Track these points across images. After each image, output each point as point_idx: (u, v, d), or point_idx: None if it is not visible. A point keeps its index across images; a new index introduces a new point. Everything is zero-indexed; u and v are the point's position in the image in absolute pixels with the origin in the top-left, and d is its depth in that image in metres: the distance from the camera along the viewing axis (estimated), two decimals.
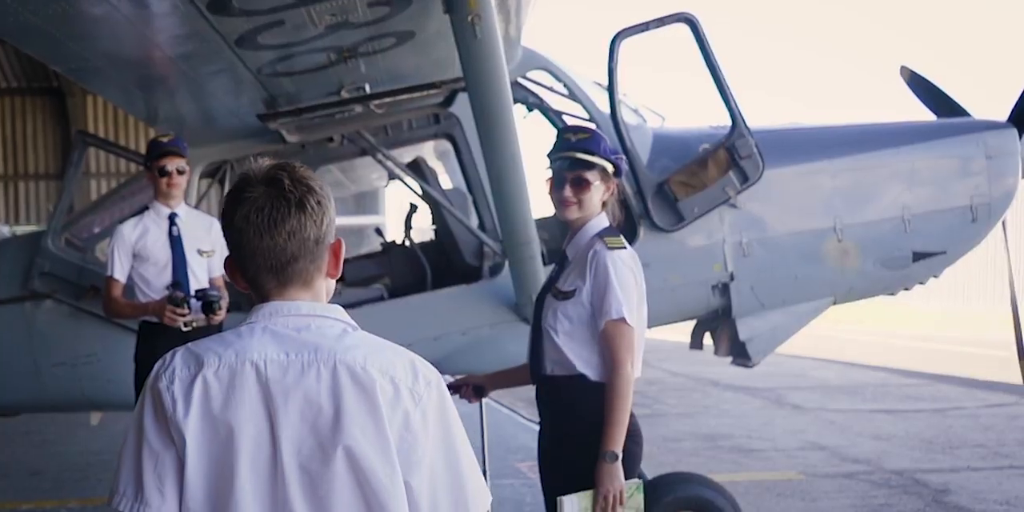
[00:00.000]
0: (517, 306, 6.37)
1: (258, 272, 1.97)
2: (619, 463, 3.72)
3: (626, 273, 3.78)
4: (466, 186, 7.24)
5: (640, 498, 3.79)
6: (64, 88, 18.73)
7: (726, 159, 6.18)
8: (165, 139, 5.86)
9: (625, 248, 3.85)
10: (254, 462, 1.87)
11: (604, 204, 3.91)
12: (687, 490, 5.64)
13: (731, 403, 12.57)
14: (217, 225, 6.12)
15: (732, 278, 6.43)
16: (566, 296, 3.84)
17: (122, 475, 1.92)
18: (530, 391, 4.12)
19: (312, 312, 1.97)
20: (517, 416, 11.25)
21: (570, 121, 6.49)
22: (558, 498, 3.68)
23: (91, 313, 6.44)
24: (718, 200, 6.22)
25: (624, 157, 3.92)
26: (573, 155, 3.86)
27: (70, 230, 7.03)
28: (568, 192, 3.86)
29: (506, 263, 6.38)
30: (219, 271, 6.10)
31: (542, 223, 6.77)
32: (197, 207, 6.69)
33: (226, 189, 7.92)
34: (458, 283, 6.58)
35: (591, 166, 3.84)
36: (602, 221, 3.90)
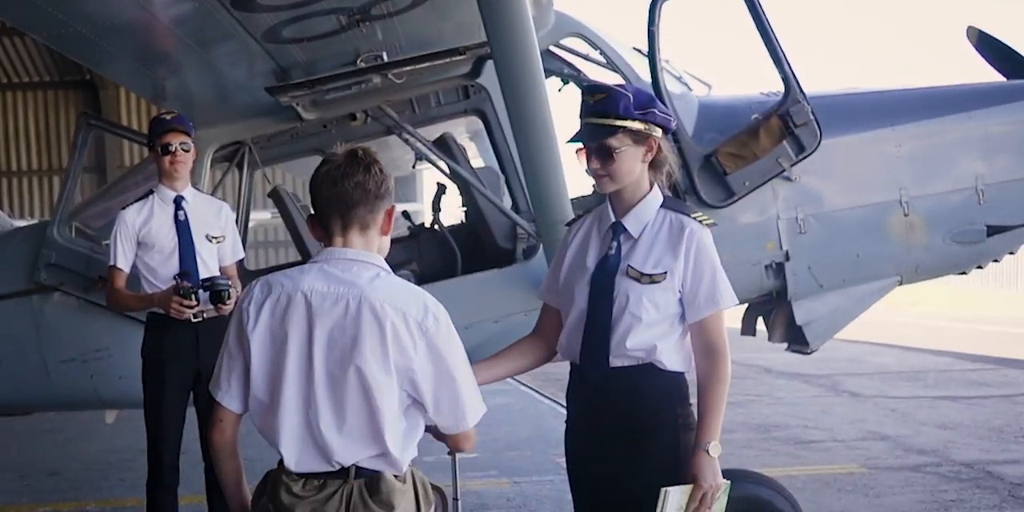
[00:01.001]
0: None
1: (329, 215, 2.60)
2: (718, 458, 3.29)
3: (717, 255, 3.36)
4: (498, 165, 6.77)
5: (725, 501, 3.35)
6: (97, 81, 18.49)
7: (780, 127, 5.65)
8: (168, 116, 5.45)
9: (713, 224, 3.39)
10: (297, 364, 2.55)
11: (657, 166, 3.38)
12: (742, 490, 5.10)
13: (784, 391, 12.01)
14: (227, 209, 5.68)
15: (787, 257, 5.90)
16: (653, 279, 3.32)
17: (217, 372, 2.69)
18: None
19: (356, 257, 2.61)
20: (560, 408, 10.72)
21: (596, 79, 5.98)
22: (663, 490, 3.19)
23: (101, 306, 6.02)
24: (771, 172, 5.69)
25: (662, 111, 3.37)
26: (590, 121, 3.34)
27: (79, 218, 6.64)
28: (594, 164, 3.35)
29: (541, 245, 5.90)
30: (231, 259, 5.67)
31: (579, 202, 6.30)
32: (213, 194, 6.27)
33: (244, 174, 7.55)
34: (490, 268, 6.11)
35: (613, 130, 3.28)
36: (658, 192, 3.39)
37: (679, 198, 5.57)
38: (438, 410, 2.63)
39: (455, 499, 4.17)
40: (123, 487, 7.47)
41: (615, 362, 3.33)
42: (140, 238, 5.46)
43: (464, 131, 8.85)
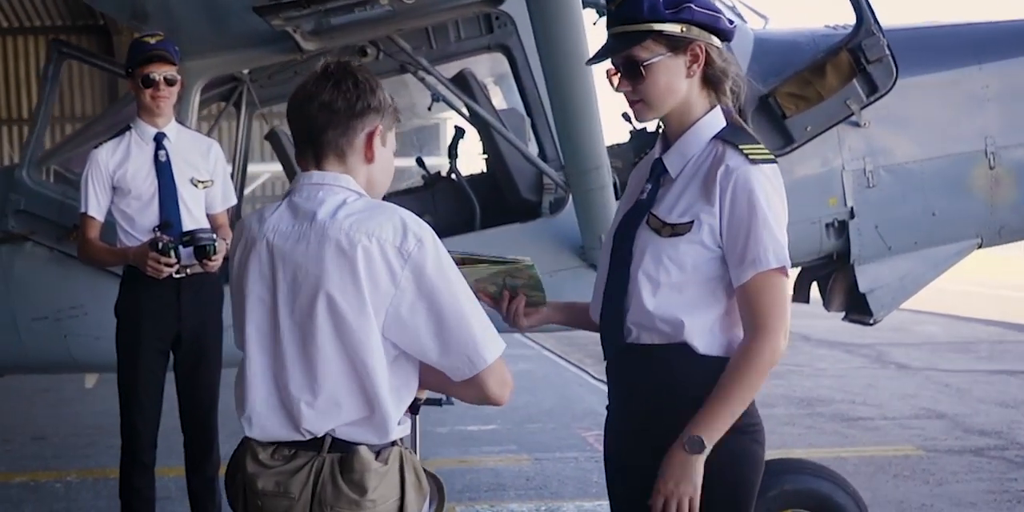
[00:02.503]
0: (583, 249, 5.22)
1: (301, 146, 2.25)
2: (701, 458, 2.49)
3: (777, 199, 2.52)
4: (524, 107, 6.05)
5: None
6: (110, 26, 17.73)
7: (849, 64, 4.89)
8: (152, 40, 4.72)
9: (773, 160, 2.55)
10: (260, 317, 2.22)
11: (713, 82, 2.60)
12: (798, 482, 4.41)
13: (826, 361, 11.27)
14: (217, 148, 4.95)
15: (852, 215, 5.17)
16: (675, 231, 2.54)
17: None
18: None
19: (323, 181, 2.22)
20: (585, 376, 10.07)
21: None
22: None
23: (76, 258, 5.35)
24: (838, 116, 4.96)
25: (703, 6, 2.57)
26: (615, 31, 2.59)
27: (55, 160, 5.99)
28: (623, 85, 2.59)
29: (570, 197, 5.19)
30: (221, 206, 4.97)
31: (614, 151, 5.59)
32: (209, 134, 5.58)
33: (242, 113, 6.86)
34: (512, 221, 5.44)
35: (639, 37, 2.53)
36: (716, 117, 2.60)
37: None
38: (445, 351, 2.15)
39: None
40: (109, 455, 6.81)
41: (630, 337, 2.60)
42: (115, 182, 4.77)
43: (488, 74, 8.05)
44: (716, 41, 2.58)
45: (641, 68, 2.53)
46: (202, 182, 4.85)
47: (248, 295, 2.23)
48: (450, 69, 6.04)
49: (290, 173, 5.71)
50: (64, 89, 18.25)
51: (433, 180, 6.31)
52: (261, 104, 6.50)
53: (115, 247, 4.77)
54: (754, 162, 2.50)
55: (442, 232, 5.65)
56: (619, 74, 2.59)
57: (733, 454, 2.55)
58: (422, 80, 5.97)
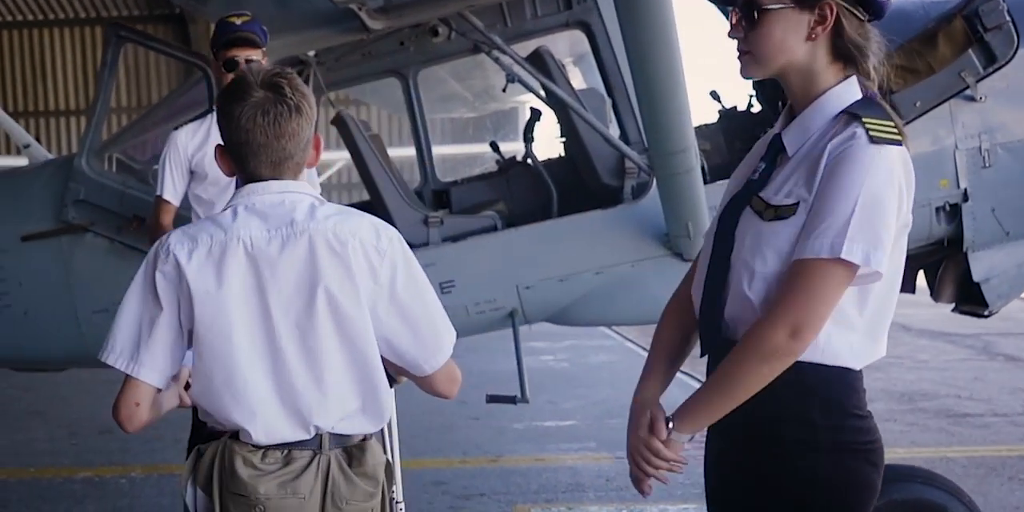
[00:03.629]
0: (668, 237, 4.88)
1: (258, 166, 2.27)
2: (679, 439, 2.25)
3: (886, 187, 2.10)
4: (604, 87, 5.70)
5: None
6: (187, 15, 17.71)
7: (964, 32, 4.46)
8: (238, 21, 4.45)
9: (898, 141, 2.15)
10: (252, 321, 2.20)
11: (845, 56, 2.22)
12: (908, 492, 4.02)
13: (928, 352, 10.71)
14: None
15: (965, 197, 4.74)
16: (778, 213, 2.19)
17: (118, 340, 2.23)
18: None
19: (283, 189, 2.28)
20: None
21: None
22: None
23: (137, 249, 5.14)
24: (951, 90, 4.53)
25: None
26: None
27: (117, 147, 5.76)
28: (736, 31, 2.26)
29: (654, 182, 4.83)
30: None
31: (701, 132, 5.21)
32: None
33: (310, 96, 6.59)
34: (592, 208, 5.10)
35: None
36: (848, 89, 2.22)
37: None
38: (415, 344, 2.27)
39: (396, 501, 3.23)
40: (176, 450, 6.64)
41: (727, 331, 2.26)
42: (193, 166, 4.58)
43: (566, 54, 7.67)
44: (859, 12, 2.20)
45: (756, 13, 2.19)
46: None
47: (229, 299, 2.19)
48: (526, 48, 5.70)
49: (357, 159, 5.41)
50: (131, 79, 18.25)
51: (508, 165, 5.98)
52: (328, 88, 6.23)
53: None
54: (874, 140, 2.12)
55: (518, 219, 5.41)
56: (738, 17, 2.25)
57: (844, 477, 2.21)
58: (496, 60, 5.66)
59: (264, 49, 4.43)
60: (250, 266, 2.20)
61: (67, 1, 18.32)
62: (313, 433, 2.21)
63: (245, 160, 2.26)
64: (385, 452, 2.41)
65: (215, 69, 4.53)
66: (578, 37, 6.42)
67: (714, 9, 5.20)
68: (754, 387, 2.14)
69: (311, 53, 6.12)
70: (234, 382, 2.20)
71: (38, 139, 14.85)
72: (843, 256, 2.07)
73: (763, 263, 2.19)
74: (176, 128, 4.63)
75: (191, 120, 4.66)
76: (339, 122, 5.51)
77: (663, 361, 2.50)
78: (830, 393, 2.19)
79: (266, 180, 2.27)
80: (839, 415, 2.19)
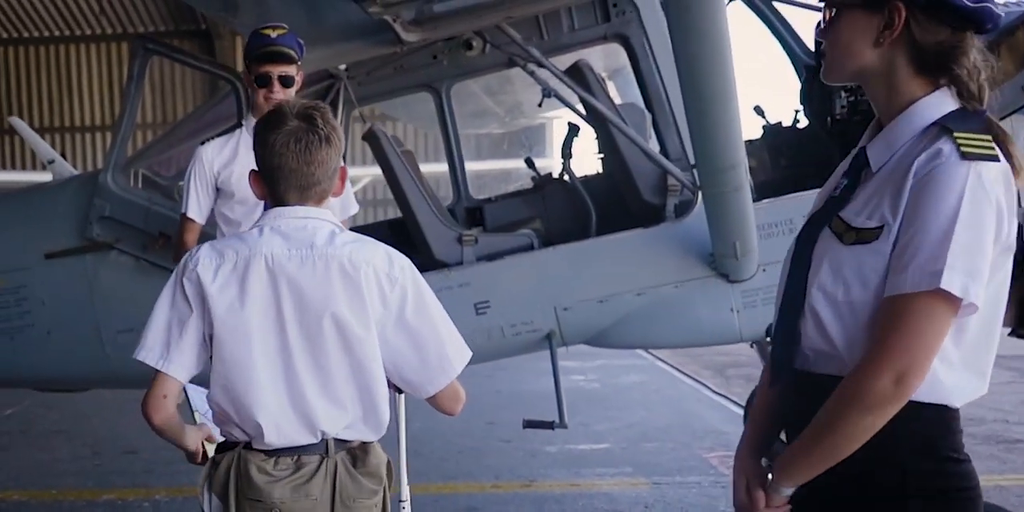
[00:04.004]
0: (713, 257, 4.70)
1: (288, 190, 2.45)
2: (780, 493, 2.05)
3: (981, 209, 1.89)
4: (643, 102, 5.53)
5: None
6: (212, 30, 17.68)
7: None
8: (273, 33, 4.21)
9: (995, 157, 1.93)
10: (267, 329, 2.38)
11: (928, 67, 2.00)
12: None
13: None
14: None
15: None
16: (860, 237, 1.99)
17: (151, 340, 2.41)
18: (719, 356, 2.31)
19: (307, 215, 2.45)
20: (704, 390, 9.43)
21: None
22: None
23: (163, 267, 4.99)
24: (1014, 105, 4.33)
25: None
26: None
27: (143, 163, 5.62)
28: (821, 34, 2.09)
29: (698, 199, 4.66)
30: (341, 214, 4.46)
31: (750, 147, 5.05)
32: None
33: (339, 113, 6.44)
34: (632, 226, 4.94)
35: None
36: (940, 100, 2.00)
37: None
38: (423, 366, 2.43)
39: (400, 500, 3.60)
40: (200, 473, 6.48)
41: (803, 363, 2.06)
42: (219, 182, 4.35)
43: (602, 70, 7.51)
44: (939, 19, 1.98)
45: (829, 14, 2.04)
46: None
47: (250, 310, 2.36)
48: (561, 63, 5.55)
49: (390, 176, 5.25)
50: (157, 94, 18.20)
51: (543, 182, 5.82)
52: (359, 103, 6.09)
53: None
54: (966, 156, 1.90)
55: (555, 237, 5.24)
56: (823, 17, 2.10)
57: None
58: (532, 74, 5.48)
59: (299, 64, 4.22)
60: (270, 280, 2.38)
61: (93, 17, 18.29)
62: (320, 437, 2.40)
63: (276, 183, 2.44)
64: (386, 452, 2.56)
65: (247, 82, 4.32)
66: (613, 51, 6.29)
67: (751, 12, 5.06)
68: (859, 440, 1.93)
69: (342, 67, 5.99)
70: (252, 386, 2.37)
71: (63, 155, 14.80)
72: (943, 287, 1.87)
73: (845, 291, 1.99)
74: (202, 143, 4.43)
75: (218, 135, 4.45)
76: (371, 137, 5.35)
77: (765, 421, 2.26)
78: (924, 434, 1.98)
79: (293, 204, 2.44)
80: (934, 458, 1.99)
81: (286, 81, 4.19)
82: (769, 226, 4.69)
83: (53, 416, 8.79)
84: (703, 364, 10.31)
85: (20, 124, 13.59)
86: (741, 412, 7.80)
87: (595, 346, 5.05)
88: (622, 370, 10.32)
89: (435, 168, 9.06)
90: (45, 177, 10.80)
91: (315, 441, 2.39)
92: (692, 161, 4.62)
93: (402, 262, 2.42)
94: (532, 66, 5.43)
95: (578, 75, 5.16)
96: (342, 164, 2.50)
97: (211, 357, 2.40)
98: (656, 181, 5.02)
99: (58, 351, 5.28)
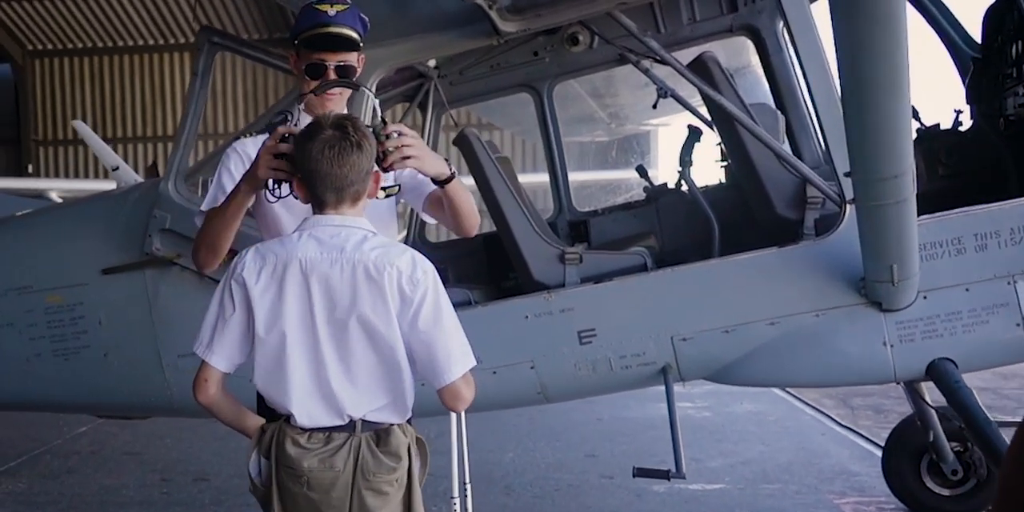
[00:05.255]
0: (864, 282, 3.99)
1: (325, 191, 2.70)
2: None
3: None
4: (774, 103, 4.87)
5: None
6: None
7: None
8: (331, 10, 3.19)
9: None
10: (300, 324, 2.65)
11: None
12: None
13: None
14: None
15: None
16: None
17: (202, 332, 2.74)
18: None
19: (343, 223, 2.71)
20: (828, 421, 8.58)
21: None
22: None
23: None
24: None
25: None
26: None
27: (208, 170, 5.06)
28: None
29: (846, 213, 3.94)
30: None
31: None
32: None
33: (428, 115, 5.86)
34: (763, 245, 4.24)
35: None
36: None
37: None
38: (430, 363, 2.68)
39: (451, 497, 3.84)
40: None
41: None
42: None
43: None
44: None
45: None
46: (385, 189, 3.59)
47: (286, 307, 2.64)
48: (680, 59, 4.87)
49: (483, 185, 4.63)
50: (259, 102, 17.94)
51: (657, 193, 5.16)
52: (451, 104, 5.50)
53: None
54: None
55: (671, 257, 4.54)
56: None
57: None
58: (647, 71, 4.80)
59: (361, 50, 3.27)
60: (303, 281, 2.64)
61: (187, 25, 18.12)
62: (347, 420, 2.67)
63: (314, 186, 2.69)
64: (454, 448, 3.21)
65: (293, 66, 3.36)
66: (734, 48, 5.61)
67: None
68: None
69: (431, 64, 5.42)
70: (285, 376, 2.66)
71: (155, 164, 14.55)
72: None
73: None
74: (239, 137, 3.54)
75: (260, 131, 3.42)
76: (462, 141, 4.74)
77: None
78: None
79: (330, 204, 2.70)
80: None
81: (344, 72, 3.24)
82: (932, 246, 3.95)
83: (125, 436, 8.33)
84: (824, 392, 9.45)
85: (84, 128, 13.28)
86: (874, 449, 7.04)
87: (718, 383, 4.36)
88: (734, 397, 9.50)
89: (532, 179, 8.42)
90: (109, 185, 10.44)
91: (342, 423, 2.67)
92: (840, 169, 3.91)
93: (425, 266, 2.66)
94: (646, 63, 4.79)
95: (703, 71, 4.48)
96: (375, 168, 2.76)
97: (253, 348, 2.68)
98: (793, 192, 4.33)
99: (115, 376, 4.78)
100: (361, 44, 3.19)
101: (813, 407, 9.06)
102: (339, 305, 2.64)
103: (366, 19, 3.23)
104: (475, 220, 3.22)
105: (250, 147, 3.26)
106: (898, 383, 4.37)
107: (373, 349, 2.65)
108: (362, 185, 2.70)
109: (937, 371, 3.95)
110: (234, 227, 3.11)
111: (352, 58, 3.21)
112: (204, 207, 3.27)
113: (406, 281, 2.62)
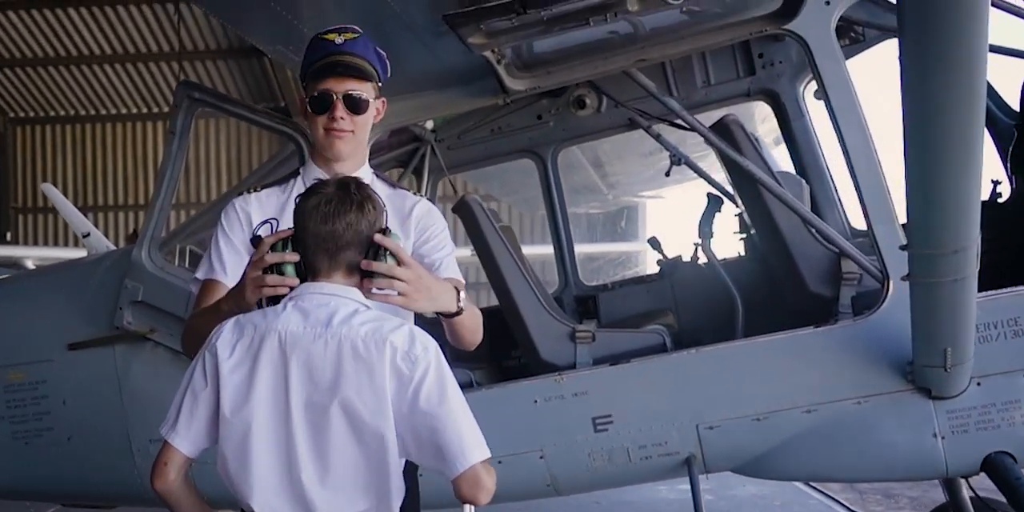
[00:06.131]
0: (912, 366, 3.62)
1: (315, 253, 2.40)
2: None
3: None
4: (795, 169, 4.57)
5: None
6: (292, 108, 17.10)
7: None
8: (339, 38, 2.81)
9: None
10: (271, 408, 2.34)
11: None
12: None
13: None
14: (433, 210, 3.03)
15: None
16: None
17: (171, 409, 2.44)
18: None
19: (334, 292, 2.40)
20: (838, 507, 8.13)
21: None
22: None
23: None
24: None
25: None
26: None
27: (185, 236, 4.72)
28: None
29: (888, 291, 3.59)
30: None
31: None
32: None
33: (424, 182, 5.52)
34: (791, 325, 3.85)
35: None
36: None
37: None
38: (443, 449, 2.31)
39: None
40: None
41: None
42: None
43: None
44: None
45: None
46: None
47: (257, 387, 2.33)
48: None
49: (485, 255, 4.27)
50: (188, 172, 17.52)
51: (672, 267, 4.79)
52: (449, 171, 5.17)
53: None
54: None
55: (689, 337, 4.17)
56: None
57: None
58: (658, 137, 4.51)
59: (377, 83, 2.85)
60: (281, 358, 2.33)
61: (171, 93, 17.93)
62: None
63: (306, 249, 2.41)
64: None
65: (301, 111, 2.90)
66: (743, 115, 5.31)
67: None
68: None
69: (428, 127, 5.10)
70: (248, 469, 2.34)
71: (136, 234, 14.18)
72: None
73: None
74: (240, 194, 3.04)
75: (265, 186, 3.05)
76: (463, 208, 4.40)
77: None
78: None
79: (322, 271, 2.40)
80: None
81: (354, 104, 2.78)
82: (986, 327, 3.59)
83: None
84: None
85: (53, 192, 12.90)
86: None
87: (748, 476, 3.96)
88: (738, 479, 9.01)
89: (532, 251, 8.05)
90: (79, 253, 10.04)
91: None
92: (883, 242, 3.57)
93: (426, 341, 2.36)
94: (658, 127, 4.50)
95: (726, 134, 4.15)
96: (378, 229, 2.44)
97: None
98: (827, 267, 4.00)
99: (80, 462, 4.37)
100: (375, 78, 2.81)
101: (819, 490, 8.61)
102: (319, 386, 2.32)
103: (383, 54, 2.86)
104: (478, 339, 2.83)
105: (252, 204, 2.87)
106: (950, 477, 3.98)
107: (356, 440, 2.32)
108: (358, 252, 2.39)
109: (994, 466, 3.55)
110: None
111: (364, 89, 2.78)
112: (200, 275, 2.87)
113: (402, 358, 2.30)
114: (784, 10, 3.71)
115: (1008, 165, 4.26)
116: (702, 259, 4.67)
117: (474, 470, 2.30)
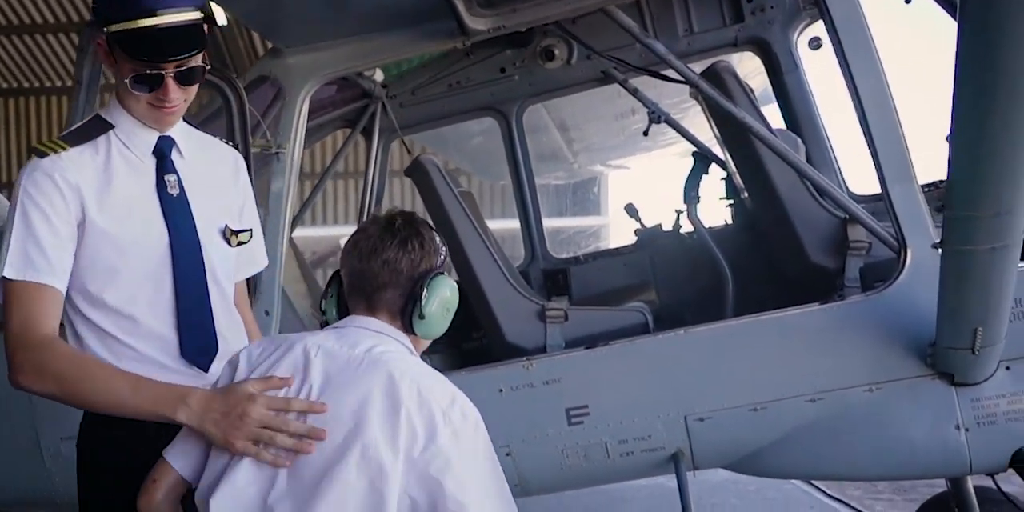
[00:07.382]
0: (934, 348, 3.18)
1: (351, 293, 2.23)
2: None
3: None
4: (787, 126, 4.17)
5: None
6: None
7: None
8: None
9: None
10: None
11: None
12: None
13: None
14: (242, 163, 2.62)
15: None
16: None
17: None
18: None
19: (382, 330, 2.19)
20: (815, 491, 7.74)
21: None
22: None
23: None
24: None
25: None
26: None
27: None
28: None
29: (906, 261, 3.15)
30: (254, 266, 2.69)
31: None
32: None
33: (375, 142, 5.05)
34: (788, 301, 3.44)
35: None
36: None
37: None
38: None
39: None
40: None
41: None
42: (84, 220, 2.32)
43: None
44: None
45: None
46: (236, 234, 2.52)
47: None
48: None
49: (443, 222, 3.81)
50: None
51: (651, 236, 4.34)
52: (402, 130, 4.69)
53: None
54: None
55: (672, 316, 3.68)
56: None
57: None
58: (635, 92, 4.09)
59: (206, 13, 2.28)
60: (303, 362, 2.13)
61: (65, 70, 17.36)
62: None
63: (346, 290, 2.24)
64: None
65: (105, 58, 2.30)
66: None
67: None
68: None
69: (378, 80, 4.61)
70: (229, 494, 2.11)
71: None
72: None
73: None
74: (43, 152, 2.33)
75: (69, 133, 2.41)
76: (416, 170, 3.93)
77: None
78: None
79: (358, 312, 2.21)
80: None
81: (188, 77, 2.27)
82: (1018, 304, 3.15)
83: None
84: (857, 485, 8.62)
85: None
86: None
87: (744, 473, 3.54)
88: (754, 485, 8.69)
89: (496, 225, 7.60)
90: None
91: None
92: (901, 205, 3.14)
93: (466, 408, 2.10)
94: (635, 81, 4.07)
95: (718, 83, 3.68)
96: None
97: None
98: (831, 234, 3.56)
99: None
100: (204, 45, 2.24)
101: (835, 497, 8.24)
102: (339, 417, 2.08)
103: None
104: None
105: (68, 168, 2.25)
106: (973, 475, 3.55)
107: (363, 481, 2.03)
108: (400, 294, 2.16)
109: None
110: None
111: (197, 59, 2.26)
112: (11, 275, 2.20)
113: (438, 413, 2.05)
114: None
115: None
116: (685, 228, 4.24)
117: None
